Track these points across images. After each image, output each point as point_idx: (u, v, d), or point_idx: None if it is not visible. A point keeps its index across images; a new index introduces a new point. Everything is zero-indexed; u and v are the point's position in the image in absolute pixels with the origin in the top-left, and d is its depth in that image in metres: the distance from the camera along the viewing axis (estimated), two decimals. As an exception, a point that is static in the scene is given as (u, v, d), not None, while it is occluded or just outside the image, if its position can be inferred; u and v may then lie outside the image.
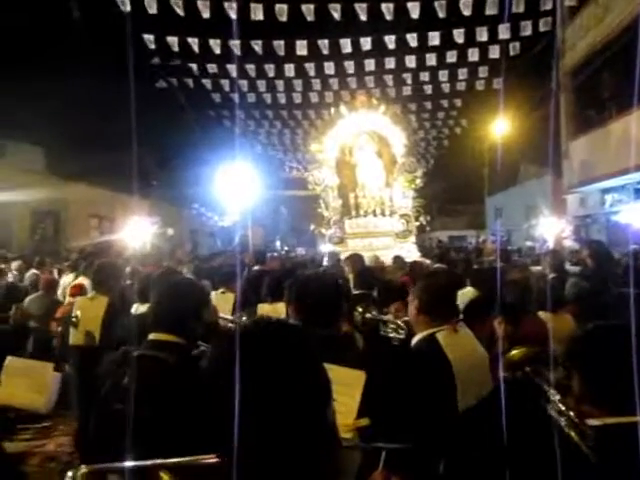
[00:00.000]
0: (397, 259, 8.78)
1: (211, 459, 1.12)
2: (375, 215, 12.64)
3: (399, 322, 3.39)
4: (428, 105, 17.21)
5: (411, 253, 11.54)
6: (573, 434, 1.32)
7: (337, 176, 12.99)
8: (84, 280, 6.20)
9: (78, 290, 5.64)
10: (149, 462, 1.16)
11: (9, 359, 2.84)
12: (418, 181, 12.87)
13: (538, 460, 1.33)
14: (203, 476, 1.13)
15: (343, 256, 9.72)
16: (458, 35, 12.53)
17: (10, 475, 3.16)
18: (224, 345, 1.18)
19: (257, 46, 12.54)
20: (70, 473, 1.09)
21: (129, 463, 1.17)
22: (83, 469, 1.10)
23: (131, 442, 1.48)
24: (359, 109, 12.78)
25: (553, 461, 1.33)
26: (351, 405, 1.86)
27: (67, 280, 8.20)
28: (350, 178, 13.10)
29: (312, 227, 13.59)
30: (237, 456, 1.09)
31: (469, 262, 9.87)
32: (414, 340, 2.56)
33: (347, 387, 1.84)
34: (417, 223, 12.84)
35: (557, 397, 1.43)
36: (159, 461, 1.15)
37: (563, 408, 1.38)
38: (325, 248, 12.74)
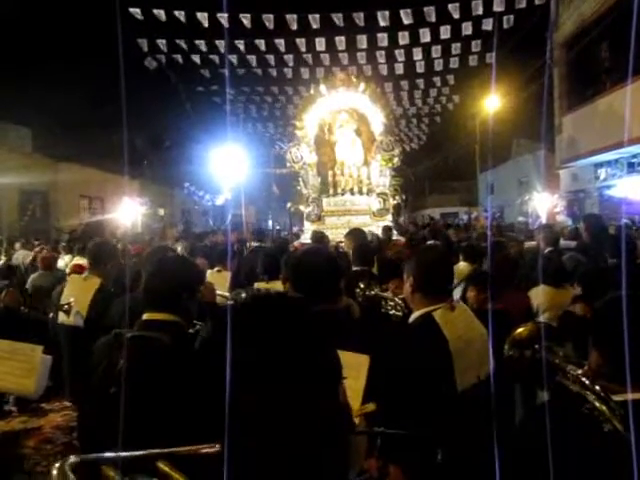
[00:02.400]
0: (373, 236, 8.92)
1: (212, 449, 1.06)
2: (353, 193, 12.64)
3: (397, 300, 3.33)
4: (420, 81, 17.04)
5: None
6: (605, 408, 1.27)
7: (316, 153, 12.87)
8: (81, 260, 6.20)
9: (79, 269, 5.57)
10: (146, 452, 1.09)
11: None
12: (395, 160, 12.79)
13: (560, 432, 1.28)
14: (204, 463, 1.07)
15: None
16: (453, 9, 12.33)
17: (5, 458, 3.11)
18: (223, 321, 1.11)
19: (246, 19, 12.30)
20: (58, 464, 1.02)
21: (124, 453, 1.10)
22: (72, 459, 1.03)
23: (129, 426, 1.41)
24: (339, 87, 12.62)
25: (578, 436, 1.29)
26: (356, 390, 1.80)
27: (64, 262, 8.16)
28: (329, 156, 13.02)
29: (289, 205, 13.55)
30: (239, 438, 1.03)
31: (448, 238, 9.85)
32: (411, 318, 2.50)
33: (351, 371, 1.77)
34: (394, 202, 12.84)
35: (579, 372, 1.38)
36: (158, 451, 1.09)
37: (588, 382, 1.33)
38: (305, 226, 12.71)
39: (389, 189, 12.75)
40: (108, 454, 1.11)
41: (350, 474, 1.42)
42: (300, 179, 12.84)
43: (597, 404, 1.30)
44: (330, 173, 12.73)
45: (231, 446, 1.02)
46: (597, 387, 1.33)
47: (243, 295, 3.84)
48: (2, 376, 2.63)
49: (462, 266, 5.27)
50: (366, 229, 10.22)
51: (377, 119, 12.64)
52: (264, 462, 1.06)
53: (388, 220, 12.45)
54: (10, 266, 7.47)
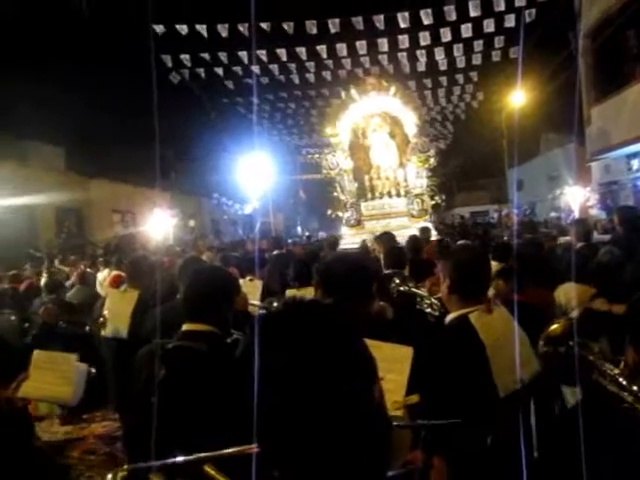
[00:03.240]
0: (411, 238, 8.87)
1: (254, 449, 1.09)
2: (390, 196, 12.76)
3: (433, 299, 3.31)
4: (444, 80, 16.90)
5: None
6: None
7: (351, 159, 12.99)
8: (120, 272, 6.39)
9: (118, 280, 5.71)
10: (192, 457, 1.14)
11: (35, 352, 2.85)
12: (432, 160, 12.78)
13: (597, 434, 1.27)
14: (247, 467, 1.11)
15: (358, 239, 9.81)
16: (474, 7, 12.24)
17: (51, 468, 3.21)
18: (257, 331, 1.15)
19: (266, 26, 12.41)
20: (110, 475, 1.06)
21: (171, 460, 1.15)
22: (123, 471, 1.08)
23: (172, 435, 1.46)
24: (370, 92, 12.71)
25: (614, 435, 1.28)
26: (400, 382, 1.81)
27: (102, 276, 8.35)
28: (364, 160, 13.16)
29: (329, 211, 13.61)
30: (279, 443, 1.06)
31: (486, 236, 9.76)
32: (447, 320, 2.49)
33: (395, 363, 1.79)
34: (432, 202, 12.81)
35: (616, 371, 1.37)
36: (202, 455, 1.13)
37: (625, 382, 1.31)
38: (343, 231, 12.79)
39: (426, 190, 12.74)
40: (156, 462, 1.15)
41: (393, 467, 1.44)
42: (337, 185, 12.93)
43: (636, 405, 1.28)
44: (367, 177, 12.89)
45: (268, 450, 1.05)
46: (635, 387, 1.31)
47: (275, 304, 3.90)
48: (41, 385, 2.72)
49: (492, 265, 5.20)
50: (406, 231, 10.25)
51: (410, 121, 12.67)
52: (302, 464, 1.09)
53: (427, 221, 12.43)
54: (56, 280, 7.69)
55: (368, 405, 1.15)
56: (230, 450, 1.14)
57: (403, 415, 1.71)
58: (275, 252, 8.00)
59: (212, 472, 1.09)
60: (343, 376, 1.10)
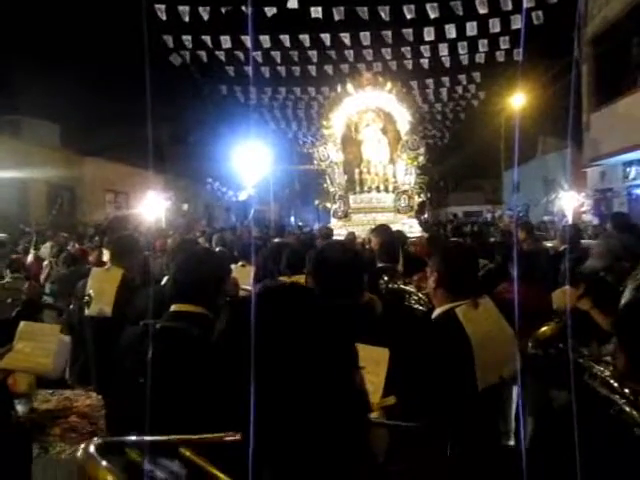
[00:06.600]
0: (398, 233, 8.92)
1: (234, 437, 1.07)
2: (379, 191, 12.88)
3: (421, 295, 3.31)
4: (446, 79, 16.89)
5: (413, 228, 11.80)
6: (635, 413, 1.25)
7: (342, 152, 13.09)
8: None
9: None
10: (169, 437, 1.12)
11: (22, 324, 2.82)
12: (421, 158, 12.85)
13: (588, 437, 1.25)
14: (225, 451, 1.09)
15: (345, 230, 9.88)
16: (481, 5, 12.19)
17: (30, 447, 3.18)
18: (238, 310, 1.15)
19: (270, 12, 12.31)
20: (83, 445, 1.05)
21: (147, 437, 1.13)
22: (97, 440, 1.06)
23: (157, 416, 1.43)
24: (365, 86, 12.77)
25: (607, 439, 1.26)
26: (377, 383, 1.81)
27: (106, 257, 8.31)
28: (355, 154, 13.25)
29: (317, 202, 13.72)
30: (261, 426, 1.04)
31: (480, 235, 9.81)
32: (433, 314, 2.49)
33: (371, 365, 1.77)
34: (419, 200, 12.93)
35: (607, 373, 1.35)
36: (181, 437, 1.11)
37: (616, 385, 1.30)
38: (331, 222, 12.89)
39: (414, 187, 12.80)
40: (132, 437, 1.13)
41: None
42: (327, 177, 13.00)
43: (627, 408, 1.27)
44: (356, 171, 12.97)
45: (253, 428, 1.04)
46: (626, 390, 1.30)
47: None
48: (23, 357, 2.69)
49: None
50: (392, 226, 10.27)
51: (403, 118, 12.76)
52: (283, 442, 1.08)
53: (413, 217, 12.63)
54: (74, 254, 7.60)
55: (347, 385, 1.14)
56: (210, 435, 1.12)
57: (379, 417, 1.70)
58: (276, 240, 7.95)
59: (187, 454, 1.07)
60: (320, 356, 1.09)
